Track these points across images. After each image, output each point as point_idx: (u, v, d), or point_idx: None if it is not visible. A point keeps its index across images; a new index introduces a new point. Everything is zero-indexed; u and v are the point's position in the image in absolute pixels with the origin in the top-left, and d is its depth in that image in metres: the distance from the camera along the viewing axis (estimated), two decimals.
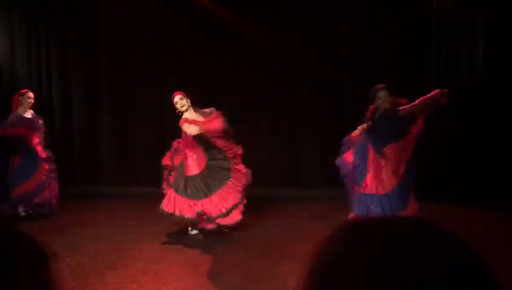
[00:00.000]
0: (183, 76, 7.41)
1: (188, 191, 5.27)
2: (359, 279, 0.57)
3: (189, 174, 5.35)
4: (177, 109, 5.37)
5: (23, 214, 6.05)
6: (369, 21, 7.45)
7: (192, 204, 5.20)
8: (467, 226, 4.74)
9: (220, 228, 5.29)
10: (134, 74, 8.10)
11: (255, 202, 6.72)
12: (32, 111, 6.28)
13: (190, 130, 5.20)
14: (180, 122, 5.35)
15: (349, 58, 7.81)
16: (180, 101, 5.36)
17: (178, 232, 5.41)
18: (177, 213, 5.21)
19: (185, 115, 5.34)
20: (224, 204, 5.26)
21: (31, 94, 6.27)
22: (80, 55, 8.22)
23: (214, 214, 5.19)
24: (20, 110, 6.16)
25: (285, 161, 8.00)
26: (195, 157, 5.37)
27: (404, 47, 7.35)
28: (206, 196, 5.26)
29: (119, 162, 8.23)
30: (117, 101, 8.23)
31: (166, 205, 5.27)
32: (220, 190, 5.32)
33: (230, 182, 5.38)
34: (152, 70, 7.98)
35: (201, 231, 5.28)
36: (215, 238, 5.20)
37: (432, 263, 0.56)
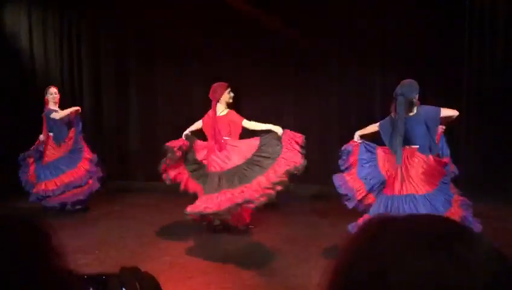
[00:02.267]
0: (211, 73, 7.43)
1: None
2: (385, 276, 0.56)
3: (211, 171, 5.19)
4: (228, 96, 5.35)
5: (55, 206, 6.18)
6: (399, 14, 7.31)
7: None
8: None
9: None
10: (164, 70, 8.21)
11: (281, 199, 6.73)
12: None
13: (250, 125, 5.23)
14: (233, 117, 5.30)
15: (379, 55, 7.69)
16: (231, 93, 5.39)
17: (205, 228, 5.44)
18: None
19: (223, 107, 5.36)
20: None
21: (53, 89, 6.36)
22: (110, 51, 8.36)
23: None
24: (50, 105, 6.32)
25: (313, 158, 7.95)
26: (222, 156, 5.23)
27: (436, 40, 7.20)
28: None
29: (149, 158, 8.34)
30: (147, 97, 8.35)
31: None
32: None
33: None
34: (181, 67, 8.06)
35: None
36: (241, 234, 5.21)
37: (459, 262, 0.55)
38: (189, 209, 4.82)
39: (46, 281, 0.65)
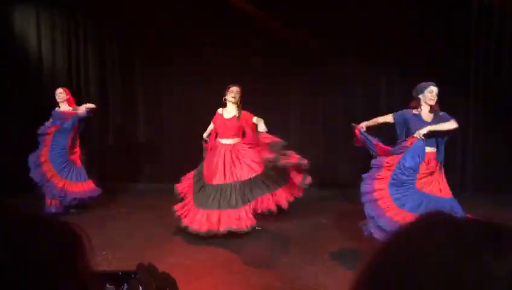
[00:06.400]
0: (217, 75, 7.46)
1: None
2: (427, 276, 0.55)
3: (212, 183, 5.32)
4: (229, 96, 5.42)
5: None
6: (405, 17, 7.28)
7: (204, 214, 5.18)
8: None
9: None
10: (170, 71, 8.22)
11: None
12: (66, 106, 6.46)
13: (262, 125, 5.27)
14: (243, 117, 5.37)
15: (384, 55, 7.65)
16: (236, 92, 5.45)
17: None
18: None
19: (229, 107, 5.45)
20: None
21: (58, 90, 6.44)
22: (117, 52, 8.39)
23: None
24: (61, 105, 6.41)
25: (319, 161, 7.94)
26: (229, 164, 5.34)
27: (443, 44, 7.18)
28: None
29: (155, 159, 8.37)
30: (153, 99, 8.37)
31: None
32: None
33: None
34: (188, 68, 8.07)
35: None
36: (247, 236, 5.22)
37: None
38: (193, 227, 5.07)
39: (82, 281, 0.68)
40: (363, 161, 5.36)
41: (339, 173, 7.90)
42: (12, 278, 0.62)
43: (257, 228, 5.38)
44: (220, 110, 5.57)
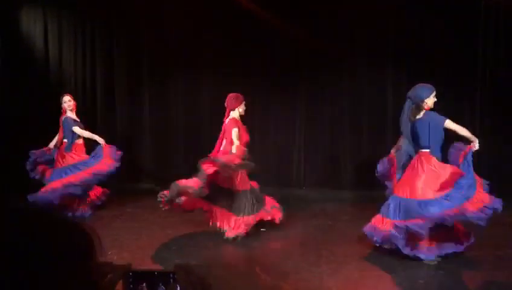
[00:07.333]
0: (223, 81, 7.49)
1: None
2: None
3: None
4: (243, 109, 5.35)
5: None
6: (411, 17, 7.27)
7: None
8: None
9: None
10: (177, 74, 8.25)
11: (293, 203, 6.73)
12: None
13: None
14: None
15: (390, 54, 7.64)
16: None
17: (217, 231, 5.43)
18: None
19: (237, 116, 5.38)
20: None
21: (67, 97, 6.34)
22: (124, 55, 8.41)
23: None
24: (68, 113, 6.33)
25: (323, 162, 7.95)
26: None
27: (449, 43, 7.16)
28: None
29: (160, 160, 8.39)
30: (159, 102, 8.39)
31: None
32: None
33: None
34: (194, 75, 8.09)
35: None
36: (252, 237, 5.23)
37: None
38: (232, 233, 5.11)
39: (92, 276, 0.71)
40: (366, 161, 5.37)
41: (342, 174, 7.90)
42: (23, 276, 0.64)
43: (262, 229, 5.40)
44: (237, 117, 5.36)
